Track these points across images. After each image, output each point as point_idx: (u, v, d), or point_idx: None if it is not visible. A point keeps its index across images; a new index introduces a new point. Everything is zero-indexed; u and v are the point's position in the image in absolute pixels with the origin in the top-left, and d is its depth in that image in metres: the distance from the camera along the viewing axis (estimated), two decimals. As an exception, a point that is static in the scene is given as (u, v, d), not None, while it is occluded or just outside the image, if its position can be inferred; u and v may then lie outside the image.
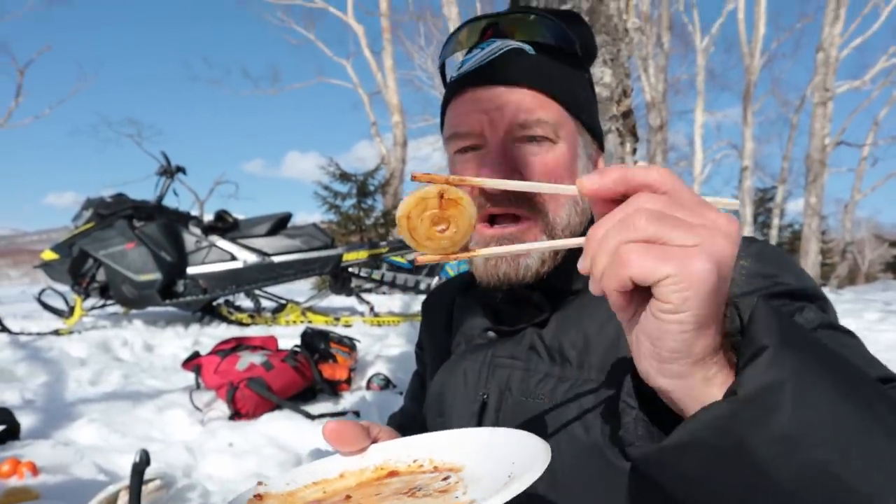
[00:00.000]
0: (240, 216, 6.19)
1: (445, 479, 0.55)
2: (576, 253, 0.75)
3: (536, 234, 0.81)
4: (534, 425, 0.80)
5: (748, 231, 13.36)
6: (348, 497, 0.56)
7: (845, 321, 0.84)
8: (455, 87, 0.84)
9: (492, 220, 0.82)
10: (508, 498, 0.45)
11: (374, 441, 0.68)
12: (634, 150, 2.48)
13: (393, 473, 0.60)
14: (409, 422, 1.08)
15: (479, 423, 0.86)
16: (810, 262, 12.29)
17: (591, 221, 0.78)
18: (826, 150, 13.18)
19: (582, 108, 0.86)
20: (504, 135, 0.80)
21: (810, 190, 12.88)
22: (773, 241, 19.16)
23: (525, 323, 0.86)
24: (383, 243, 5.77)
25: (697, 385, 0.48)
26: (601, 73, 2.41)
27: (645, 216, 0.45)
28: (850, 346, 0.69)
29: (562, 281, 0.86)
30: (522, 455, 0.52)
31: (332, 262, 5.68)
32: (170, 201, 6.19)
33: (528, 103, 0.80)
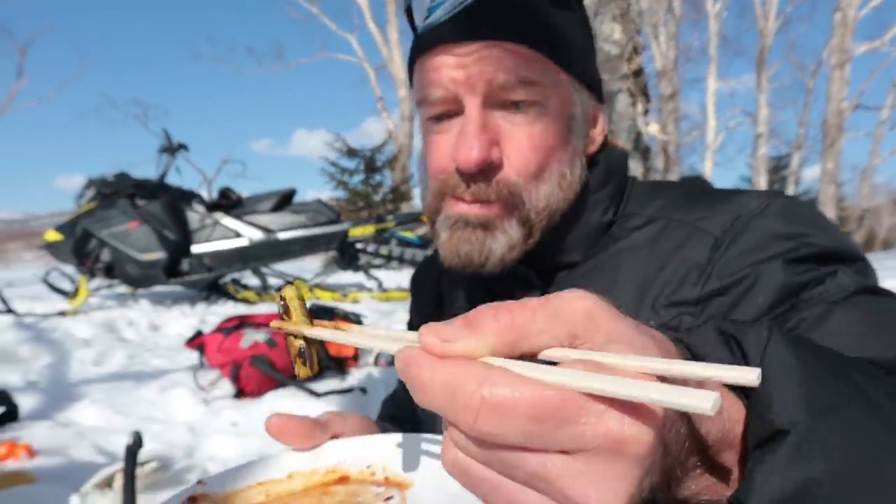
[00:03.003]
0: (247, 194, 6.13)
1: (388, 499, 0.48)
2: (563, 226, 0.76)
3: (505, 218, 0.72)
4: None
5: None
6: None
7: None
8: (423, 42, 0.73)
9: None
10: None
11: (336, 437, 0.59)
12: (646, 111, 2.35)
13: (343, 479, 0.54)
14: (400, 410, 1.01)
15: None
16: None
17: (583, 192, 0.77)
18: (843, 114, 12.90)
19: (575, 57, 0.75)
20: (483, 99, 0.69)
21: (827, 156, 12.64)
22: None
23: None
24: (390, 217, 5.67)
25: None
26: (610, 30, 2.28)
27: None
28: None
29: (550, 257, 0.79)
30: None
31: (339, 238, 5.60)
32: (173, 179, 6.09)
33: (509, 61, 0.69)
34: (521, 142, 0.70)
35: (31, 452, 2.13)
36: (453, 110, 0.72)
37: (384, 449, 0.55)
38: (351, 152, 13.04)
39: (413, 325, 1.03)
